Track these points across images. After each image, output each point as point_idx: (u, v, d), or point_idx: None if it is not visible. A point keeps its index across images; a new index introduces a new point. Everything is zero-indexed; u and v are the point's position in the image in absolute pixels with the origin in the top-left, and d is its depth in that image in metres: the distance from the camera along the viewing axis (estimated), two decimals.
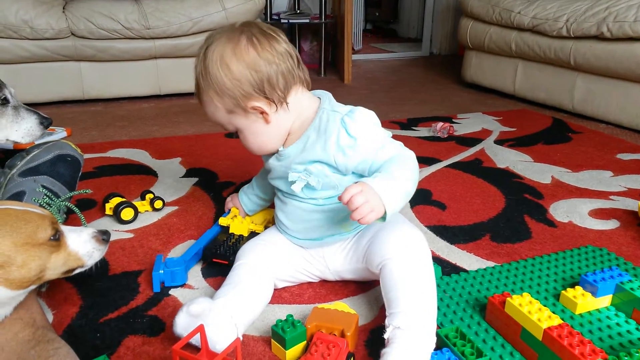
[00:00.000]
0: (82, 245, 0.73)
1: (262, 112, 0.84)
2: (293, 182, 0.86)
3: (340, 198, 0.76)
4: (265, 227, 1.07)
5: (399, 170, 0.80)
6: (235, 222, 1.07)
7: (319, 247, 0.92)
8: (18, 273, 0.64)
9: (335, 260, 0.92)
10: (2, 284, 0.64)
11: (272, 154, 0.91)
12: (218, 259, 0.97)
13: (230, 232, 1.06)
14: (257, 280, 0.86)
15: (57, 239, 0.70)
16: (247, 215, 1.13)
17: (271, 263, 0.89)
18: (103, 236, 0.76)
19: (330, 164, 0.84)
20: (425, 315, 0.74)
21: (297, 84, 0.85)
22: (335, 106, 0.87)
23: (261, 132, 0.87)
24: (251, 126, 0.86)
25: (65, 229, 0.73)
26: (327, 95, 0.90)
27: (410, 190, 0.82)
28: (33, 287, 0.69)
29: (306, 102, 0.87)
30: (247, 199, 1.13)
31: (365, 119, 0.83)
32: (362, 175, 0.85)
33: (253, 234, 1.04)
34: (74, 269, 0.73)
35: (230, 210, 1.13)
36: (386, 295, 0.78)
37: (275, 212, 0.97)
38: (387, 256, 0.80)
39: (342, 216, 0.88)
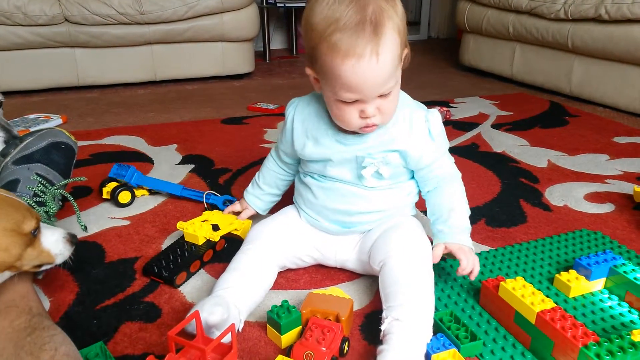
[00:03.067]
0: (55, 244, 0.76)
1: (403, 59, 0.78)
2: (363, 167, 0.83)
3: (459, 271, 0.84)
4: (226, 237, 1.01)
5: (461, 204, 0.88)
6: (190, 230, 0.98)
7: (343, 235, 0.92)
8: None
9: (345, 250, 0.92)
10: None
11: (309, 137, 0.87)
12: (155, 277, 0.91)
13: (182, 240, 0.99)
14: (261, 268, 0.85)
15: (35, 234, 0.73)
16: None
17: (277, 250, 0.89)
18: (72, 239, 0.79)
19: (406, 157, 0.84)
20: (424, 309, 0.75)
21: None
22: (410, 99, 0.87)
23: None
24: (398, 83, 0.78)
25: (42, 226, 0.75)
26: None
27: (467, 211, 0.89)
28: (8, 274, 0.71)
29: None
30: (258, 200, 1.06)
31: (441, 123, 0.86)
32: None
33: (209, 243, 0.98)
34: (42, 265, 0.76)
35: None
36: (385, 290, 0.78)
37: (301, 197, 0.94)
38: (389, 254, 0.81)
39: (383, 206, 0.88)
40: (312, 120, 0.87)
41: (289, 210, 0.97)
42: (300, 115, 0.89)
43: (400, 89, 0.85)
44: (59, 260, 0.77)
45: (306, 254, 0.93)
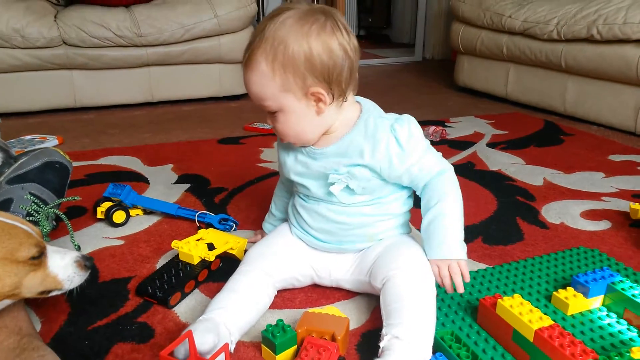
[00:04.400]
0: (63, 269, 0.71)
1: (319, 101, 0.80)
2: (331, 184, 0.84)
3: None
4: (222, 256, 1.01)
5: (450, 207, 0.85)
6: (185, 249, 0.98)
7: (337, 253, 0.91)
8: None
9: (340, 269, 0.91)
10: None
11: (290, 154, 0.90)
12: (148, 298, 0.91)
13: (177, 259, 0.99)
14: (257, 289, 0.84)
15: (38, 260, 0.69)
16: None
17: (274, 271, 0.88)
18: (86, 262, 0.74)
19: (374, 169, 0.83)
20: (425, 328, 0.74)
21: (353, 83, 0.84)
22: (382, 112, 0.87)
23: (307, 121, 0.82)
24: (299, 111, 0.81)
25: (50, 249, 0.71)
26: (369, 101, 0.89)
27: (461, 212, 0.86)
28: (8, 302, 0.68)
29: (351, 105, 0.87)
30: (272, 227, 1.07)
31: (413, 128, 0.84)
32: (401, 185, 0.87)
33: (204, 262, 0.97)
34: (50, 291, 0.72)
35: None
36: (386, 307, 0.77)
37: (294, 211, 0.94)
38: (392, 273, 0.80)
39: (369, 223, 0.88)
40: None
41: (283, 229, 0.98)
42: None
43: (396, 109, 0.86)
44: (68, 286, 0.72)
45: (301, 273, 0.92)
